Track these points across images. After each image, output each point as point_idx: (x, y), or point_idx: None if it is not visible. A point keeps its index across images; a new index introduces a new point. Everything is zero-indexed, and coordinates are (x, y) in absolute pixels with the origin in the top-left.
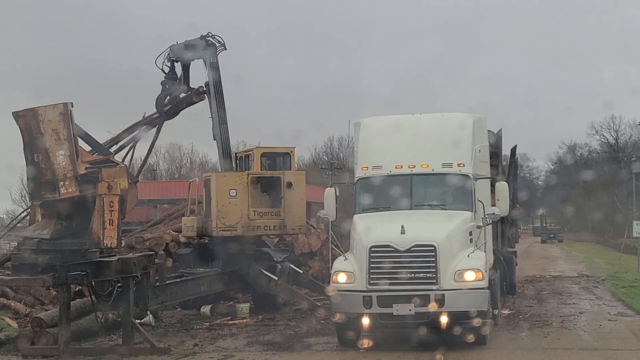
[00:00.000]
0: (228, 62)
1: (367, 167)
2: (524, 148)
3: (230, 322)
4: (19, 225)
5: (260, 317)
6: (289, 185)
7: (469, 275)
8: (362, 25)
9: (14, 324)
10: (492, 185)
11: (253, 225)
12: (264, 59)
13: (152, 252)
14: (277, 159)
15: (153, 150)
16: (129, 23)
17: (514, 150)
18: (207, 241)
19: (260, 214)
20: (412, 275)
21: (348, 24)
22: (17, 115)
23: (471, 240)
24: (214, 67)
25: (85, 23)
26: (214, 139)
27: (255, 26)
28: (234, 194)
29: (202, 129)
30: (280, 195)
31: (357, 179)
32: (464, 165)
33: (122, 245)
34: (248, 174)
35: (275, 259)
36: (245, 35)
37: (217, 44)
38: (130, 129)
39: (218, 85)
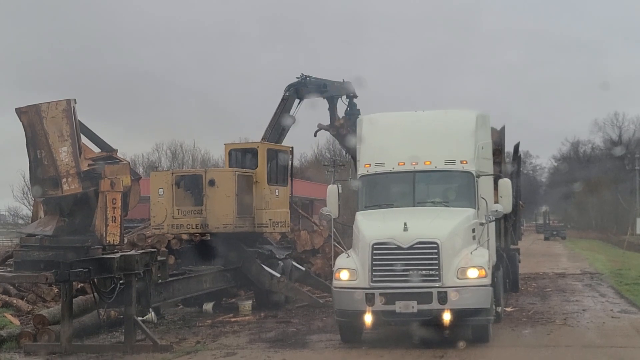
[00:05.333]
0: (223, 58)
1: (370, 164)
2: (527, 145)
3: (233, 319)
4: (21, 222)
5: (262, 314)
6: (212, 183)
7: (472, 273)
8: (361, 19)
9: (16, 322)
10: (495, 182)
11: (177, 224)
12: (263, 52)
13: (155, 249)
14: (246, 155)
15: (156, 147)
16: (121, 18)
17: (517, 147)
18: (209, 238)
19: (184, 212)
20: (415, 272)
21: (347, 17)
22: (20, 112)
23: (474, 238)
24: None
25: (85, 18)
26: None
27: (251, 21)
28: (162, 193)
29: (201, 125)
30: (202, 194)
31: (359, 176)
32: (466, 162)
33: (125, 242)
34: (172, 173)
35: (277, 256)
36: (242, 31)
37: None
38: None
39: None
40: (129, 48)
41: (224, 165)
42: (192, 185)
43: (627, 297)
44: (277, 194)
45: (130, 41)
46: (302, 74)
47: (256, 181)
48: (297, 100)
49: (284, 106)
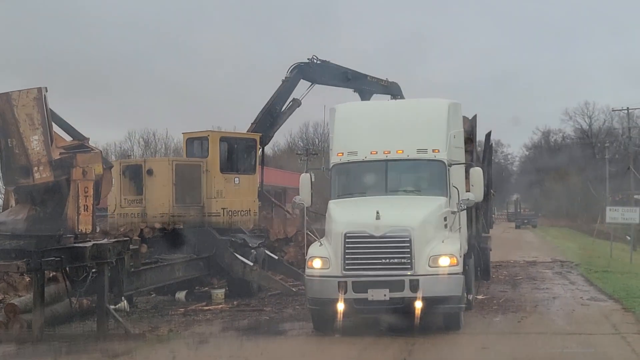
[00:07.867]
0: (194, 45)
1: (343, 153)
2: (499, 134)
3: (206, 307)
4: None
5: (235, 302)
6: (150, 172)
7: (444, 261)
8: (329, 3)
9: None
10: (467, 171)
11: (124, 213)
12: (232, 37)
13: (127, 238)
14: (201, 144)
15: (128, 135)
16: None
17: (488, 135)
18: (181, 227)
19: (129, 201)
20: (387, 260)
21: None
22: None
23: (446, 226)
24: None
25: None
26: None
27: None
28: (113, 182)
29: (175, 114)
30: (142, 183)
31: (332, 164)
32: (438, 151)
33: (97, 230)
34: (120, 162)
35: (250, 245)
36: (213, 16)
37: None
38: None
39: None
40: (100, 34)
41: (183, 154)
42: (134, 175)
43: (596, 284)
44: (236, 182)
45: (100, 27)
46: (314, 56)
47: (206, 170)
48: (302, 82)
49: (283, 88)
